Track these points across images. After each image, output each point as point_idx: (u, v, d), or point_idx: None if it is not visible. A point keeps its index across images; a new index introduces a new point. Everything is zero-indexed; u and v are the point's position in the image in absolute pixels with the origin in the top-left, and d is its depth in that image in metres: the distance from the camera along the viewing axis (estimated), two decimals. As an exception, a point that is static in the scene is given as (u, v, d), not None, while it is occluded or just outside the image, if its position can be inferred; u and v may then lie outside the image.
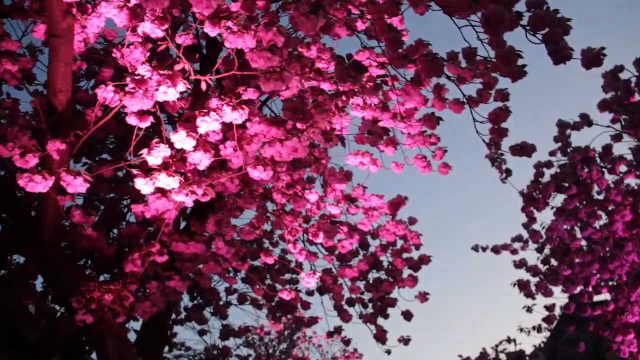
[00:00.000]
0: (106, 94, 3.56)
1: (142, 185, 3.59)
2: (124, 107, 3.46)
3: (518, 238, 8.79)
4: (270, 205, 5.97)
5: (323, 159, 6.63)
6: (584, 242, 7.06)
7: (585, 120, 7.33)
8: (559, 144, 7.42)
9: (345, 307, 6.81)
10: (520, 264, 7.89)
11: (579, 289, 7.03)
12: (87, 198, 5.49)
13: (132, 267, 4.03)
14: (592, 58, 3.73)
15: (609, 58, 3.82)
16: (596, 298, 7.63)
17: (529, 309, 7.68)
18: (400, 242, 6.54)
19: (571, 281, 6.84)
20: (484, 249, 9.09)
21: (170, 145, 3.65)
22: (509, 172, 6.87)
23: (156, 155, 3.55)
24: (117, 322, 3.99)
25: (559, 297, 7.50)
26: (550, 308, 7.65)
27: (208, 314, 7.57)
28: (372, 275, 7.04)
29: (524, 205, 6.60)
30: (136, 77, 3.33)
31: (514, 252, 8.73)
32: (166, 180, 3.59)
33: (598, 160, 6.84)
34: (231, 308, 7.27)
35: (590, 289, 7.07)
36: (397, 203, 6.33)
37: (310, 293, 7.14)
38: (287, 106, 4.31)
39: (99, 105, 3.79)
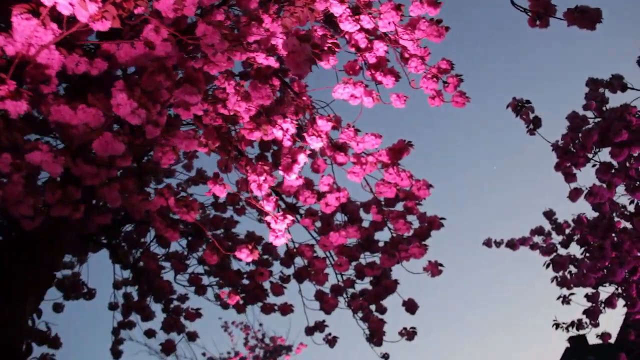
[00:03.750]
0: None
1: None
2: None
3: (539, 230, 7.31)
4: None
5: (303, 95, 5.21)
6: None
7: (619, 83, 5.95)
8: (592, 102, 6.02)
9: (328, 292, 5.21)
10: (549, 249, 6.36)
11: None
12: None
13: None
14: None
15: None
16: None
17: (566, 300, 6.11)
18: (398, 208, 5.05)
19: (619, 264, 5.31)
20: (497, 244, 7.58)
21: None
22: (537, 122, 5.44)
23: None
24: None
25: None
26: (593, 297, 6.08)
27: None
28: (365, 258, 5.49)
29: (559, 161, 5.14)
30: None
31: (534, 247, 7.24)
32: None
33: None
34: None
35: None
36: (398, 150, 4.84)
37: (285, 279, 5.53)
38: None
39: None
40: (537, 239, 7.29)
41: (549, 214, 7.30)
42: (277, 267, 6.31)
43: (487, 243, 7.53)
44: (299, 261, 5.49)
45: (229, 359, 13.41)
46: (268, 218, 3.75)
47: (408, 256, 4.63)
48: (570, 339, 17.56)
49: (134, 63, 2.87)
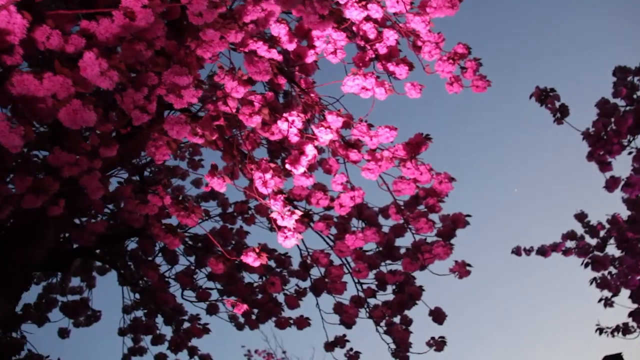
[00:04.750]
0: None
1: None
2: None
3: (571, 235, 6.84)
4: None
5: (311, 92, 4.90)
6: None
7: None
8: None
9: (346, 302, 4.79)
10: (585, 250, 5.88)
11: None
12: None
13: None
14: None
15: None
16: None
17: (608, 302, 5.60)
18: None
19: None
20: (527, 252, 7.11)
21: None
22: (564, 110, 5.05)
23: None
24: None
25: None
26: (639, 297, 5.56)
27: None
28: (386, 266, 5.08)
29: (591, 150, 4.73)
30: None
31: (567, 252, 6.76)
32: None
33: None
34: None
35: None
36: (416, 144, 4.47)
37: (301, 293, 5.13)
38: None
39: None
40: (570, 244, 6.82)
41: (581, 217, 6.83)
42: (292, 282, 5.93)
43: (517, 251, 7.07)
44: (315, 272, 5.12)
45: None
46: (274, 215, 3.38)
47: (432, 258, 4.22)
48: (605, 358, 16.73)
49: (115, 41, 2.56)
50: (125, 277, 5.79)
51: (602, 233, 6.52)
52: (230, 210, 5.43)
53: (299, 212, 3.39)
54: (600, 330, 5.75)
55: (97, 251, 5.25)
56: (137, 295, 6.05)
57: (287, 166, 3.71)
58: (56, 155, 2.61)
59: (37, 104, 2.18)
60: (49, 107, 2.20)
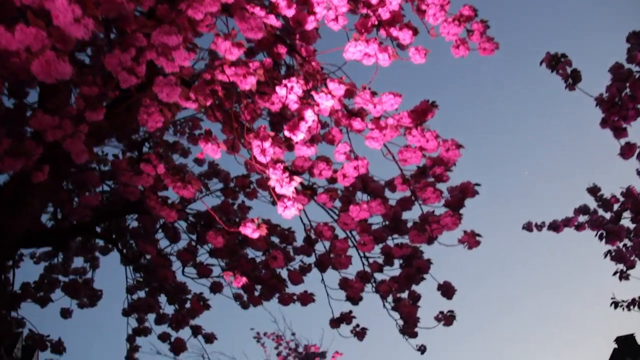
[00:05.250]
0: None
1: None
2: None
3: (583, 209, 6.65)
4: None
5: (312, 61, 4.74)
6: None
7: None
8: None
9: (352, 277, 4.64)
10: (598, 223, 5.69)
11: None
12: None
13: None
14: None
15: None
16: None
17: (623, 275, 5.41)
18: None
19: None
20: (539, 227, 6.92)
21: None
22: (576, 76, 4.85)
23: None
24: None
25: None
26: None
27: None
28: (393, 241, 4.92)
29: (605, 116, 4.53)
30: None
31: (580, 227, 6.58)
32: None
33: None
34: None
35: None
36: (421, 111, 4.29)
37: (306, 269, 4.99)
38: None
39: None
40: (583, 218, 6.63)
41: (594, 190, 6.64)
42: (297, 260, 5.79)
43: (528, 227, 6.89)
44: (320, 248, 4.97)
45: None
46: (272, 182, 3.23)
47: (441, 228, 4.06)
48: (618, 339, 16.65)
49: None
50: (127, 256, 5.68)
51: (616, 206, 6.33)
52: (231, 185, 5.29)
53: (298, 179, 3.24)
54: (616, 304, 5.57)
55: (98, 229, 5.14)
56: (140, 275, 5.95)
57: (286, 133, 3.56)
58: (38, 119, 2.47)
59: (10, 58, 2.03)
60: (22, 61, 2.05)
